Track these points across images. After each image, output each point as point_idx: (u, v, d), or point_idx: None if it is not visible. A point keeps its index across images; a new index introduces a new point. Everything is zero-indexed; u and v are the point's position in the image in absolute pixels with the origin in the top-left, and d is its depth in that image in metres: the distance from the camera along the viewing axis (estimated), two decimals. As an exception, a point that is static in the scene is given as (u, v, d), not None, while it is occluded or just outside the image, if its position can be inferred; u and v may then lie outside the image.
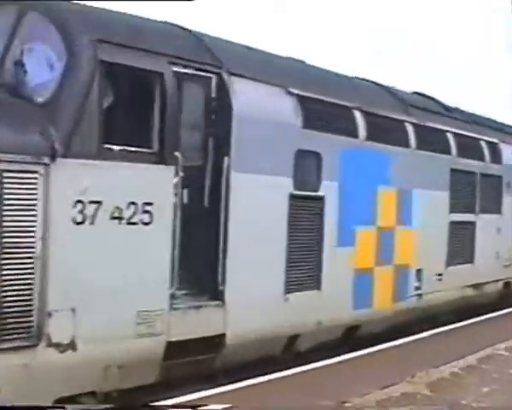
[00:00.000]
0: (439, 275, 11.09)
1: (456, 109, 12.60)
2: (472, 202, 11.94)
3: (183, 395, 6.66)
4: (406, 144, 10.32)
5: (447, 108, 12.22)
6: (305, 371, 7.89)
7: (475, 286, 12.12)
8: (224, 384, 7.18)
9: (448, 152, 11.31)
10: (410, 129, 10.43)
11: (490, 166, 12.47)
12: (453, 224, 11.36)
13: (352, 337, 9.53)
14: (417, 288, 10.61)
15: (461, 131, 11.69)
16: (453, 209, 11.36)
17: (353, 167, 9.18)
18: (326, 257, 8.73)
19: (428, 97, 12.26)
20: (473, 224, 11.97)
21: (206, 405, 5.92)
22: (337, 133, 8.91)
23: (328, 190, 8.75)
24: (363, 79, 10.82)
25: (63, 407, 5.85)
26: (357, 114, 9.37)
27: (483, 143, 12.46)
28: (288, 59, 9.39)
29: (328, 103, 8.85)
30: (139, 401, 6.58)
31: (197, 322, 7.17)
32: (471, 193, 11.92)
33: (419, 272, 10.61)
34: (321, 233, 8.67)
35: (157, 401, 6.42)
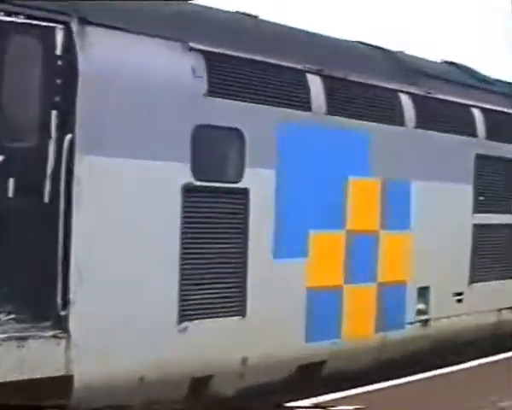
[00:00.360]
0: (459, 294, 8.47)
1: (500, 82, 9.84)
2: (511, 200, 9.16)
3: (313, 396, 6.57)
4: (400, 121, 7.84)
5: (484, 80, 9.51)
6: (441, 375, 7.69)
7: (518, 308, 9.33)
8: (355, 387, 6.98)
9: (472, 133, 8.65)
10: (406, 101, 7.92)
11: None
12: (480, 227, 8.66)
13: (314, 376, 7.22)
14: (421, 312, 8.08)
15: (495, 107, 8.97)
16: (480, 208, 8.68)
17: (304, 150, 6.89)
18: (254, 272, 6.48)
19: (462, 67, 9.62)
20: None
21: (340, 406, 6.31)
22: (273, 104, 6.65)
23: (257, 180, 6.51)
24: (354, 42, 8.43)
25: (63, 407, 5.43)
26: (314, 79, 7.04)
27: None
28: (229, 12, 7.21)
29: (259, 63, 6.60)
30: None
31: (20, 358, 5.24)
32: (510, 188, 9.13)
33: (424, 290, 8.07)
34: (244, 239, 6.44)
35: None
